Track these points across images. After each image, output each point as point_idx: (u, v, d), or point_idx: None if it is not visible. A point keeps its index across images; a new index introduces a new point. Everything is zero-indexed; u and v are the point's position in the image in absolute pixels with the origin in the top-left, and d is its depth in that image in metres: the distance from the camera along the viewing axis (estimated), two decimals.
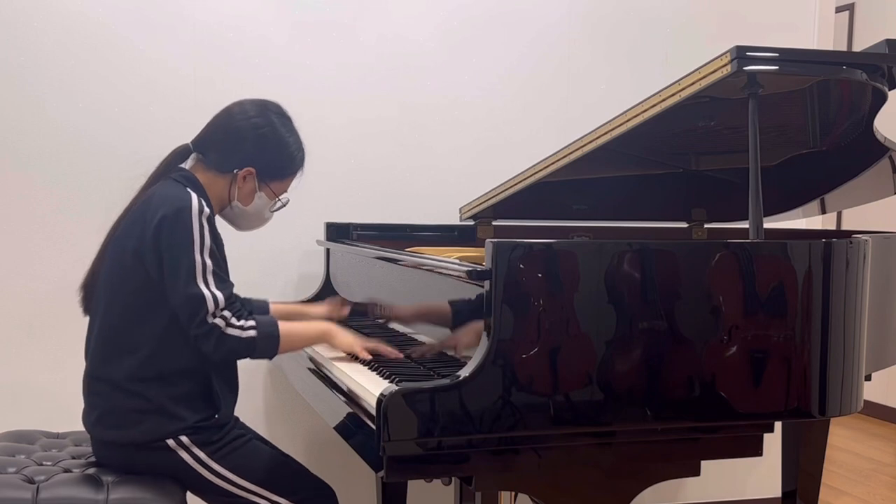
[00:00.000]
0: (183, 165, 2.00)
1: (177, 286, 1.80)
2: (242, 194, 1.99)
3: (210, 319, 1.79)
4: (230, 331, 1.81)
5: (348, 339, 2.00)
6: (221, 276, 1.85)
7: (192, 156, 2.01)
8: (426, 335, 2.03)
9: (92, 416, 1.90)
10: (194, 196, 1.85)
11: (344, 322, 2.28)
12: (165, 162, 1.99)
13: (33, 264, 2.68)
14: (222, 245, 1.92)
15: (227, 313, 1.81)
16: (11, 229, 2.67)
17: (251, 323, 1.84)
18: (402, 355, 1.95)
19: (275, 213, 2.09)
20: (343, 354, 2.06)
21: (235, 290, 1.87)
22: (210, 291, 1.80)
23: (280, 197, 2.05)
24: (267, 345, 1.86)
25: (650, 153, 2.51)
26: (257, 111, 1.99)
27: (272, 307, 2.27)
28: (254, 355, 1.87)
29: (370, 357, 1.95)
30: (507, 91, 3.04)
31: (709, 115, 2.17)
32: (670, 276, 1.66)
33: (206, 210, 1.85)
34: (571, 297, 1.59)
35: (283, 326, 1.90)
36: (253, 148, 1.96)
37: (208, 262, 1.82)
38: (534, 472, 1.62)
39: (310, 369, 2.19)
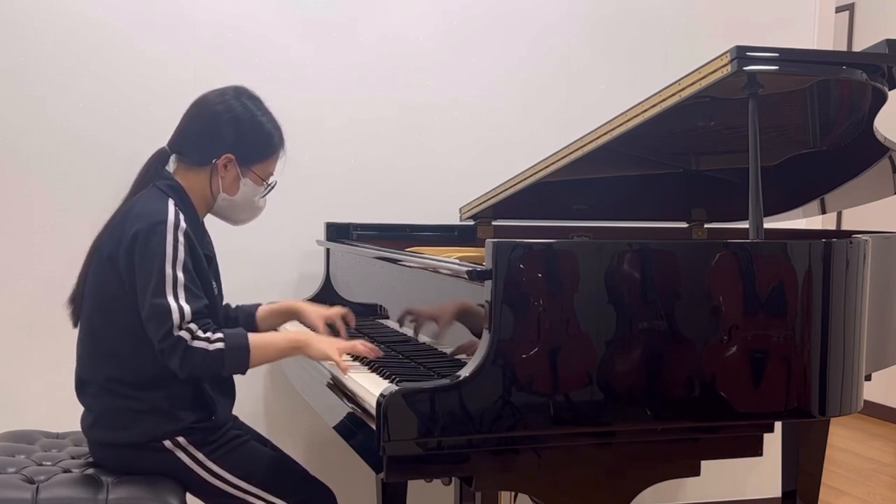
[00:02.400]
0: (166, 169, 1.97)
1: (146, 298, 1.77)
2: (226, 184, 1.96)
3: (175, 332, 1.74)
4: (196, 343, 1.75)
5: (322, 347, 1.88)
6: (194, 291, 1.80)
7: (172, 158, 1.98)
8: (429, 336, 2.03)
9: (89, 419, 1.90)
10: (172, 210, 1.83)
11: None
12: (145, 169, 1.97)
13: (33, 264, 2.68)
14: (202, 261, 1.88)
15: (193, 326, 1.76)
16: (11, 229, 2.67)
17: (219, 336, 1.78)
18: (381, 353, 1.90)
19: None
20: (345, 357, 2.05)
21: (231, 294, 1.86)
22: (178, 304, 1.76)
23: (267, 181, 2.01)
24: (236, 358, 1.80)
25: (650, 153, 2.51)
26: (231, 94, 1.96)
27: (263, 308, 2.22)
28: (223, 371, 1.82)
29: (346, 366, 1.85)
30: (507, 91, 3.04)
31: (709, 115, 2.17)
32: (670, 276, 1.66)
33: (184, 225, 1.82)
34: (571, 297, 1.59)
35: (254, 339, 1.84)
36: (228, 133, 1.93)
37: (180, 275, 1.78)
38: (534, 472, 1.62)
39: (311, 371, 2.19)
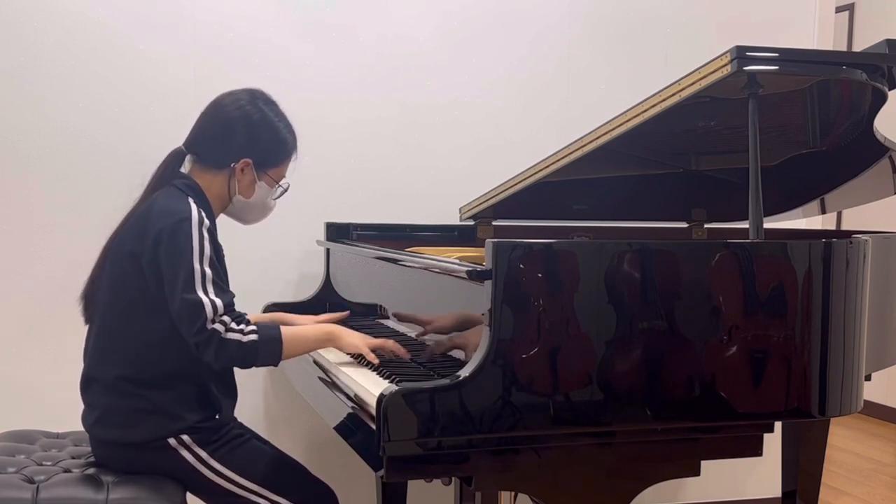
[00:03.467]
0: (181, 170, 1.99)
1: (175, 294, 1.78)
2: (242, 187, 1.99)
3: (209, 325, 1.77)
4: (230, 335, 1.78)
5: (354, 340, 1.96)
6: (221, 285, 1.83)
7: (188, 158, 2.00)
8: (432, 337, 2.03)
9: (91, 416, 1.90)
10: (194, 207, 1.85)
11: (344, 322, 2.26)
12: (161, 169, 1.98)
13: (33, 264, 2.68)
14: (223, 256, 1.92)
15: (226, 318, 1.79)
16: (11, 229, 2.66)
17: (252, 328, 1.81)
18: (409, 355, 1.93)
19: (277, 202, 2.08)
20: (346, 357, 2.06)
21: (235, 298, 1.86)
22: (209, 298, 1.78)
23: (280, 183, 2.05)
24: (270, 349, 1.83)
25: (650, 153, 2.51)
26: (248, 98, 1.98)
27: (251, 317, 2.24)
28: (257, 362, 1.83)
29: (376, 360, 1.92)
30: (507, 91, 3.04)
31: (709, 115, 2.17)
32: (670, 276, 1.66)
33: (206, 222, 1.84)
34: (571, 297, 1.59)
35: (286, 331, 1.87)
36: (246, 138, 1.96)
37: (208, 271, 1.80)
38: (534, 472, 1.62)
39: (311, 371, 2.19)
